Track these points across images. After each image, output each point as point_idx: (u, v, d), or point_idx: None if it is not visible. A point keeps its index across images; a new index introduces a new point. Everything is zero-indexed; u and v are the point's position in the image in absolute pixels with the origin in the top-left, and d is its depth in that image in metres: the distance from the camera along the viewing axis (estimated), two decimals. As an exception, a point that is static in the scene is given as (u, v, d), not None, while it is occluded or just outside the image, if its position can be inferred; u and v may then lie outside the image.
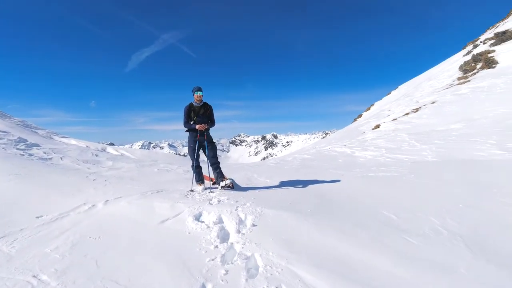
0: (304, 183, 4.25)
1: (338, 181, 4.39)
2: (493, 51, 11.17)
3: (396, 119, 10.22)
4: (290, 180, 4.58)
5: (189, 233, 2.47)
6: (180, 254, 2.12)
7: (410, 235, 2.41)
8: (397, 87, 24.66)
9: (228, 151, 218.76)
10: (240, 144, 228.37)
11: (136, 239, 2.38)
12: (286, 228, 2.49)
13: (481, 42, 14.07)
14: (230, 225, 2.56)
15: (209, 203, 3.07)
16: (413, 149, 6.47)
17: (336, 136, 14.34)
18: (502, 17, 22.73)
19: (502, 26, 17.41)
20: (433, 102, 9.85)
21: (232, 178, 4.57)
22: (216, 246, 2.23)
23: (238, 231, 2.46)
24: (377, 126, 10.36)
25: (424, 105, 10.37)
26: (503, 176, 3.98)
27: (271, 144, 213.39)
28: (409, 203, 3.19)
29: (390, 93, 24.14)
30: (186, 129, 3.97)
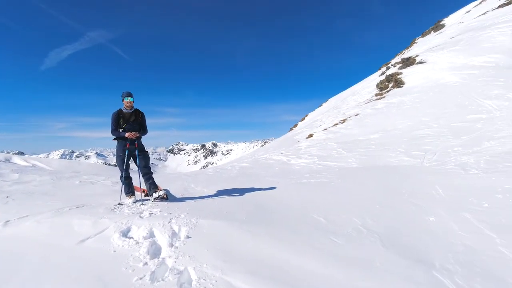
0: (241, 192, 4.28)
1: (274, 188, 4.54)
2: (401, 73, 13.10)
3: (326, 129, 11.12)
4: (228, 189, 4.56)
5: (115, 251, 2.23)
6: (102, 276, 1.89)
7: (337, 236, 2.61)
8: (327, 100, 27.06)
9: (165, 160, 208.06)
10: (179, 153, 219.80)
11: (46, 264, 2.04)
12: (222, 238, 2.45)
13: (392, 65, 16.43)
14: (162, 239, 2.40)
15: (140, 216, 2.84)
16: (340, 157, 7.14)
17: (274, 145, 14.92)
18: (407, 46, 27.12)
19: (407, 53, 20.73)
20: (357, 115, 11.02)
21: (167, 188, 4.34)
22: (146, 263, 2.06)
23: (171, 245, 2.32)
24: (311, 136, 11.12)
25: (350, 117, 11.51)
26: (410, 179, 4.66)
27: (211, 152, 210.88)
28: (336, 206, 3.48)
29: (321, 105, 26.35)
30: (114, 137, 3.64)
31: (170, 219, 2.74)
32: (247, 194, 4.11)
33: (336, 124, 11.08)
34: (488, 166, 4.81)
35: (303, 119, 24.36)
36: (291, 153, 8.98)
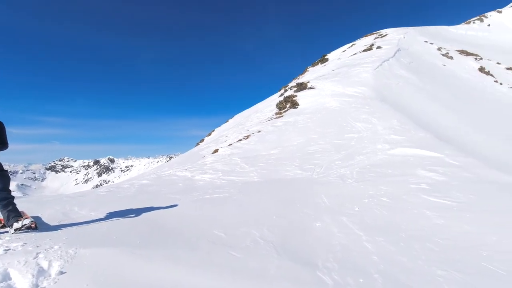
0: (137, 212, 3.89)
1: (175, 205, 4.32)
2: (296, 96, 14.78)
3: (231, 144, 11.42)
4: (121, 210, 4.07)
5: None
6: None
7: (235, 249, 2.65)
8: (233, 116, 28.10)
9: (43, 180, 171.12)
10: (63, 170, 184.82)
11: None
12: (108, 268, 2.13)
13: (289, 88, 18.46)
14: (23, 281, 1.90)
15: (-11, 255, 2.19)
16: (243, 171, 7.42)
17: (179, 160, 14.35)
18: (301, 72, 31.18)
19: (301, 79, 23.79)
20: (259, 131, 11.74)
21: (38, 215, 3.54)
22: (-7, 317, 1.59)
23: (36, 286, 1.87)
24: (216, 151, 11.20)
25: (253, 133, 12.17)
26: (302, 190, 5.22)
27: (107, 169, 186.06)
28: (236, 220, 3.56)
29: (228, 121, 27.16)
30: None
31: (37, 253, 2.22)
32: (144, 215, 3.76)
33: (241, 140, 11.57)
34: (358, 176, 5.88)
35: (210, 134, 24.48)
36: (196, 169, 8.81)
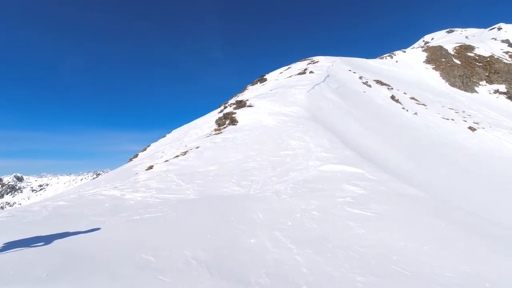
0: (48, 239, 3.34)
1: (97, 229, 3.85)
2: (235, 113, 15.03)
3: (168, 160, 10.91)
4: (27, 238, 3.44)
5: None
6: None
7: (165, 273, 2.47)
8: (171, 131, 27.01)
9: None
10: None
11: None
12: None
13: (228, 105, 18.71)
14: None
15: None
16: (179, 189, 7.11)
17: (107, 177, 13.01)
18: (241, 90, 32.03)
19: (240, 96, 24.41)
20: (197, 147, 11.51)
21: None
22: None
23: None
24: (151, 167, 10.53)
25: (191, 149, 11.87)
26: (238, 207, 5.22)
27: (13, 189, 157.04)
28: (169, 241, 3.35)
29: (165, 135, 25.95)
30: None
31: None
32: (57, 242, 3.25)
33: (178, 156, 11.14)
34: (292, 191, 6.17)
35: (145, 149, 22.97)
36: (127, 187, 8.09)
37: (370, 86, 24.92)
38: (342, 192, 5.69)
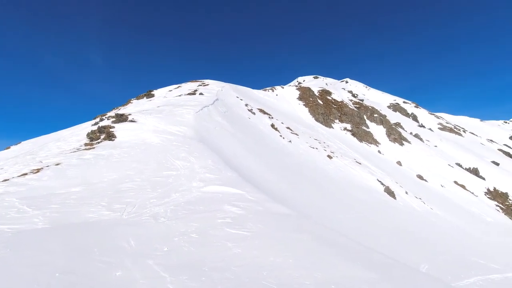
0: None
1: None
2: (114, 127, 13.43)
3: (8, 180, 8.46)
4: None
5: None
6: None
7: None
8: (19, 143, 21.30)
9: None
10: None
11: None
12: None
13: (106, 118, 16.54)
14: None
15: None
16: (21, 217, 5.51)
17: None
18: (124, 103, 29.01)
19: (122, 110, 22.05)
20: (58, 164, 9.51)
21: None
22: None
23: None
24: (-22, 189, 7.87)
25: (48, 166, 9.67)
26: (105, 235, 4.46)
27: None
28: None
29: (9, 147, 20.17)
30: None
31: None
32: None
33: (26, 174, 8.78)
34: (172, 214, 5.82)
35: (-26, 165, 17.04)
36: None
37: (254, 113, 27.37)
38: (222, 213, 5.79)
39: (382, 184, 23.62)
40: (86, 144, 12.87)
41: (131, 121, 15.49)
